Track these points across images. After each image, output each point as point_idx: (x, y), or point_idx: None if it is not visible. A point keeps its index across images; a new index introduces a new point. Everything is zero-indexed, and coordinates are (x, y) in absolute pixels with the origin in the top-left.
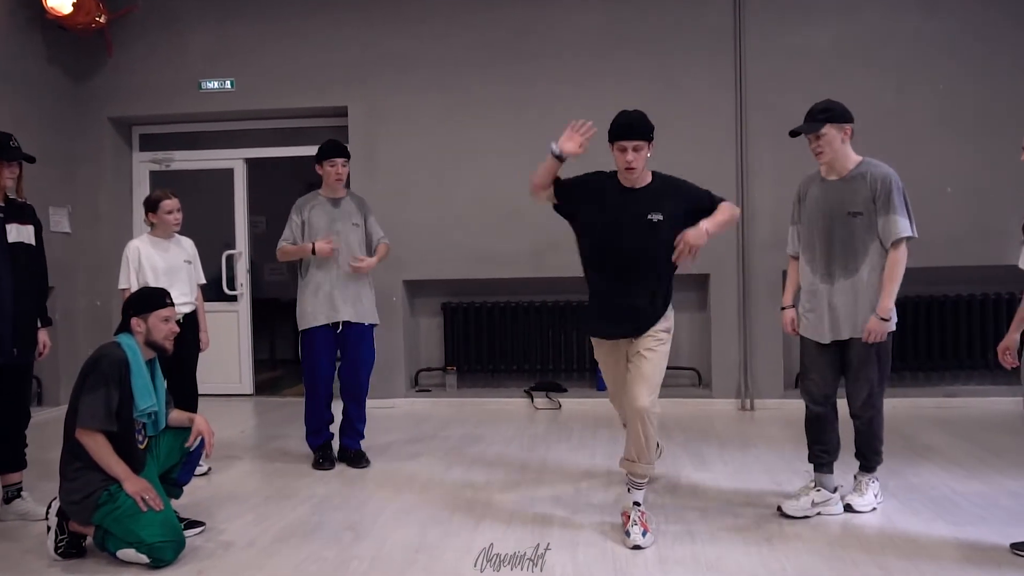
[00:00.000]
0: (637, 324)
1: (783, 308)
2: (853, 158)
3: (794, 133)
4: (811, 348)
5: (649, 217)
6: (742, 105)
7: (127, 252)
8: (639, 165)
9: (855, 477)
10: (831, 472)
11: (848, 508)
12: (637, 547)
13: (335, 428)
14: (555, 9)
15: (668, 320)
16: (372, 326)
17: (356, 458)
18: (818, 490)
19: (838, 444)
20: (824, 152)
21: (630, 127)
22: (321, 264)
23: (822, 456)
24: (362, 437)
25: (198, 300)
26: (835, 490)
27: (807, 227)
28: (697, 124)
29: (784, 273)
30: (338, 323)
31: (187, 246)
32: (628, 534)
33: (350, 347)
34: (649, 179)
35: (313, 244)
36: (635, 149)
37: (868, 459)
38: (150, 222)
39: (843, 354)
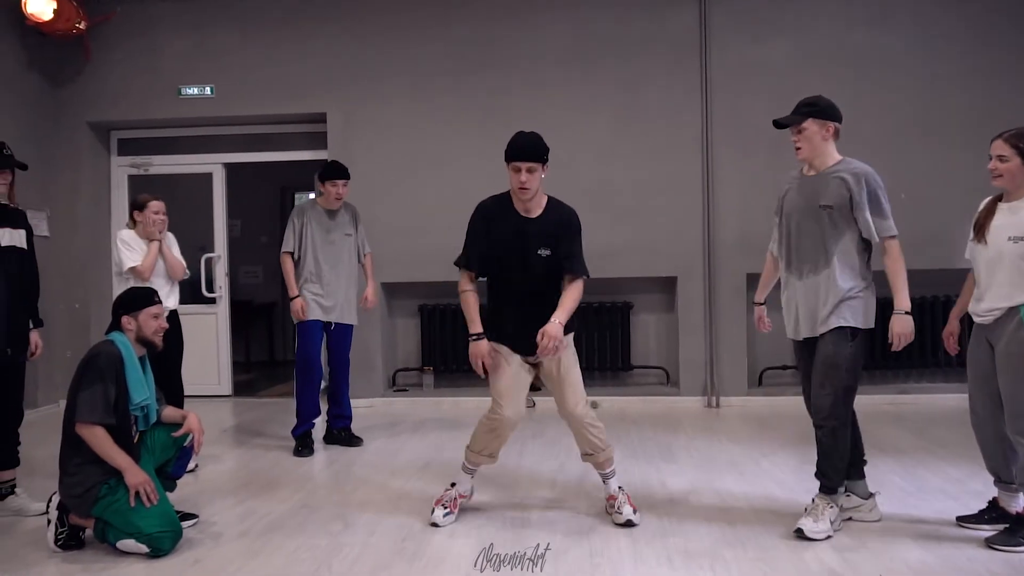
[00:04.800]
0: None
1: (755, 303)
2: (834, 156)
3: (778, 124)
4: (796, 353)
5: (539, 252)
6: (708, 112)
7: (123, 237)
8: (532, 186)
9: (813, 500)
10: (861, 478)
11: (799, 533)
12: (630, 523)
13: (320, 420)
14: (526, 20)
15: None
16: (353, 326)
17: (350, 438)
18: (848, 496)
19: (855, 449)
20: (802, 147)
21: (525, 148)
22: (317, 268)
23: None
24: (351, 421)
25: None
26: (869, 496)
27: (783, 223)
28: (664, 131)
29: (748, 276)
30: (331, 323)
31: (174, 245)
32: (620, 513)
33: (340, 344)
34: (543, 206)
35: (292, 300)
36: (528, 171)
37: (828, 477)
38: (134, 222)
39: (812, 357)
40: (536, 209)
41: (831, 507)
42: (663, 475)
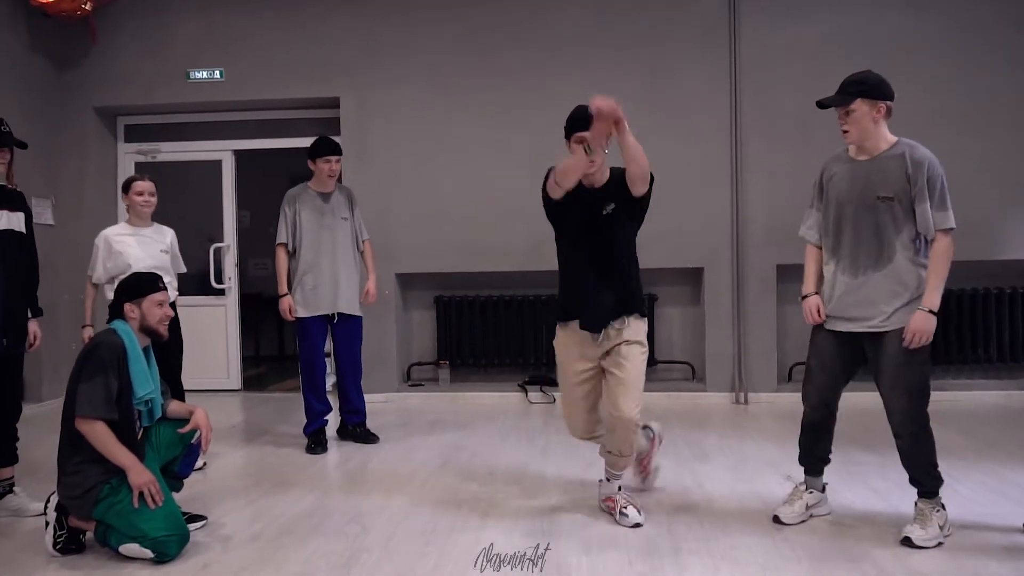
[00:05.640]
0: (610, 313)
1: (804, 297)
2: (887, 138)
3: (821, 105)
4: (821, 343)
5: (605, 212)
6: (736, 99)
7: (97, 241)
8: (598, 159)
9: (916, 505)
10: (821, 475)
11: (907, 541)
12: (638, 525)
13: (334, 415)
14: (547, 1)
15: (643, 328)
16: (361, 317)
17: (365, 435)
18: (810, 492)
19: (830, 448)
20: (850, 131)
21: (588, 119)
22: (315, 257)
23: (816, 462)
24: (365, 416)
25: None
26: (823, 488)
27: (831, 211)
28: (691, 117)
29: (777, 268)
30: (333, 315)
31: (167, 236)
32: (626, 515)
33: (347, 337)
34: (607, 177)
35: (280, 298)
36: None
37: (923, 483)
38: (127, 206)
39: (873, 359)
40: (601, 182)
41: (937, 511)
42: (698, 476)
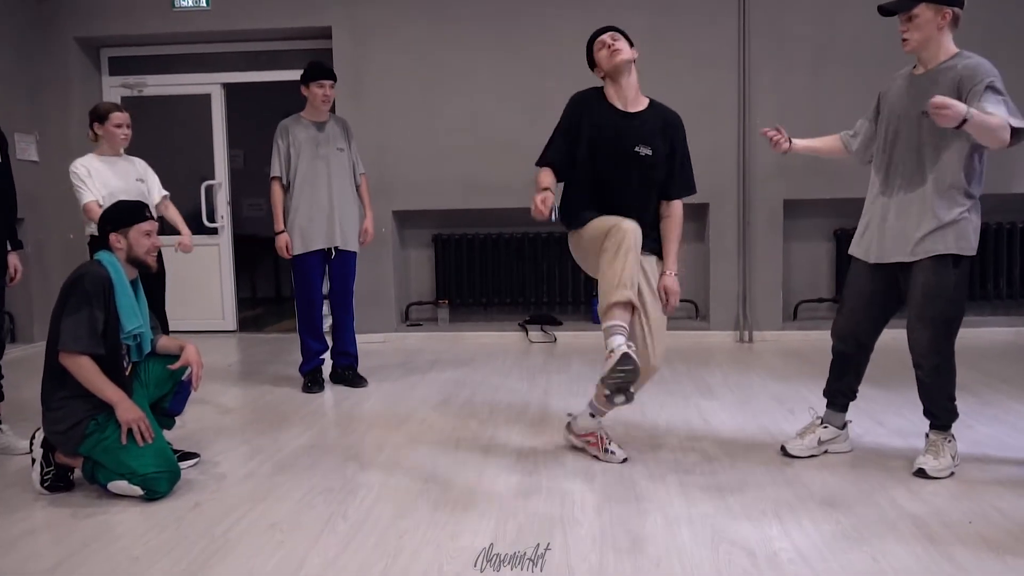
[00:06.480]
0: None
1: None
2: (948, 49)
3: (884, 11)
4: (854, 274)
5: (636, 149)
6: (745, 29)
7: (75, 169)
8: (623, 48)
9: (927, 436)
10: (844, 411)
11: (920, 473)
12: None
13: (327, 354)
14: None
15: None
16: (356, 253)
17: (355, 378)
18: (825, 427)
19: (856, 385)
20: (910, 38)
21: (604, 28)
22: (312, 190)
23: (836, 395)
24: (357, 360)
25: (168, 209)
26: (844, 426)
27: (880, 129)
28: (699, 48)
29: (784, 203)
30: (330, 250)
31: (138, 165)
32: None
33: (343, 274)
34: (645, 104)
35: (276, 235)
36: (612, 38)
37: (938, 416)
38: (95, 135)
39: (904, 289)
40: (635, 104)
41: (949, 441)
42: (704, 412)
